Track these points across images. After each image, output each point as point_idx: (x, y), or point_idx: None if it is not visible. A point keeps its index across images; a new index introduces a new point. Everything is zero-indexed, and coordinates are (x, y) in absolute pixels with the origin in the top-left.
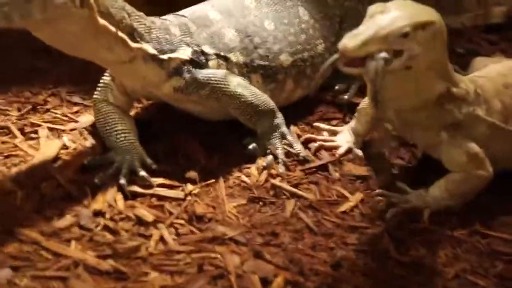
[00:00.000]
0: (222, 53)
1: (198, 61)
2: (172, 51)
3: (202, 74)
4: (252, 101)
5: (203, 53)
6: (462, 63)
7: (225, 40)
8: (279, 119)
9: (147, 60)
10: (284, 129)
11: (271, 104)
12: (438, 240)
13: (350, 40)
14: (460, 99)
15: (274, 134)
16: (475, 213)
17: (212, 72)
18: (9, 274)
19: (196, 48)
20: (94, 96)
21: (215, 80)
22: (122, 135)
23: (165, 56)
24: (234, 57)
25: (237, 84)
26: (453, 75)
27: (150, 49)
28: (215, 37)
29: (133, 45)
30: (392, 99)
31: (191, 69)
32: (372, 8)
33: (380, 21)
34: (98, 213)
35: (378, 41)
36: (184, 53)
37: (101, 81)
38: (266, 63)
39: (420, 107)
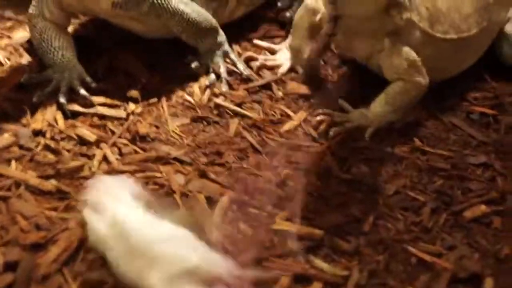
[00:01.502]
0: None
1: None
2: None
3: None
4: (194, 18)
5: None
6: None
7: None
8: (222, 37)
9: None
10: (226, 47)
11: (213, 21)
12: (379, 157)
13: None
14: (401, 5)
15: (216, 52)
16: (415, 131)
17: None
18: None
19: None
20: (29, 11)
21: None
22: (60, 52)
23: None
24: None
25: (179, 0)
26: None
27: None
28: None
29: None
30: (348, 9)
31: None
32: None
33: None
34: (38, 133)
35: None
36: None
37: None
38: None
39: (371, 15)
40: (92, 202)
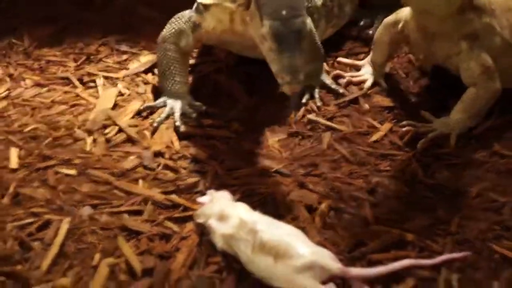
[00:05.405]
0: None
1: None
2: None
3: None
4: (317, 43)
5: None
6: None
7: None
8: (324, 64)
9: None
10: (324, 75)
11: (323, 50)
12: (461, 163)
13: None
14: (480, 9)
15: (317, 76)
16: (493, 136)
17: None
18: (90, 211)
19: None
20: (165, 34)
21: None
22: (179, 85)
23: None
24: None
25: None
26: None
27: None
28: None
29: None
30: (424, 12)
31: None
32: None
33: None
34: (158, 154)
35: None
36: None
37: (176, 23)
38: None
39: (445, 16)
40: (214, 212)
